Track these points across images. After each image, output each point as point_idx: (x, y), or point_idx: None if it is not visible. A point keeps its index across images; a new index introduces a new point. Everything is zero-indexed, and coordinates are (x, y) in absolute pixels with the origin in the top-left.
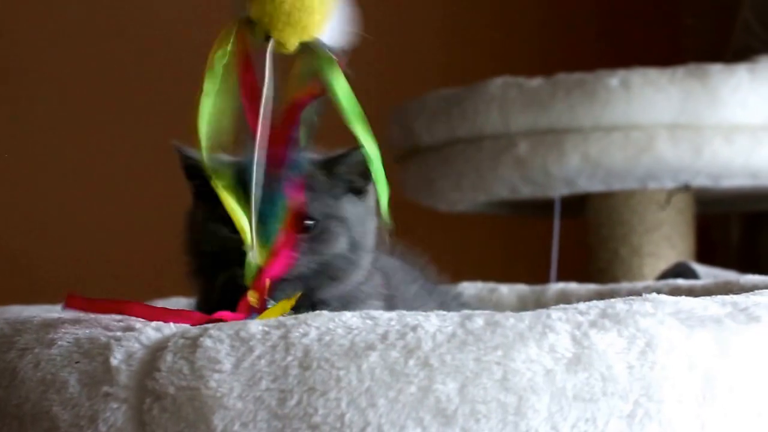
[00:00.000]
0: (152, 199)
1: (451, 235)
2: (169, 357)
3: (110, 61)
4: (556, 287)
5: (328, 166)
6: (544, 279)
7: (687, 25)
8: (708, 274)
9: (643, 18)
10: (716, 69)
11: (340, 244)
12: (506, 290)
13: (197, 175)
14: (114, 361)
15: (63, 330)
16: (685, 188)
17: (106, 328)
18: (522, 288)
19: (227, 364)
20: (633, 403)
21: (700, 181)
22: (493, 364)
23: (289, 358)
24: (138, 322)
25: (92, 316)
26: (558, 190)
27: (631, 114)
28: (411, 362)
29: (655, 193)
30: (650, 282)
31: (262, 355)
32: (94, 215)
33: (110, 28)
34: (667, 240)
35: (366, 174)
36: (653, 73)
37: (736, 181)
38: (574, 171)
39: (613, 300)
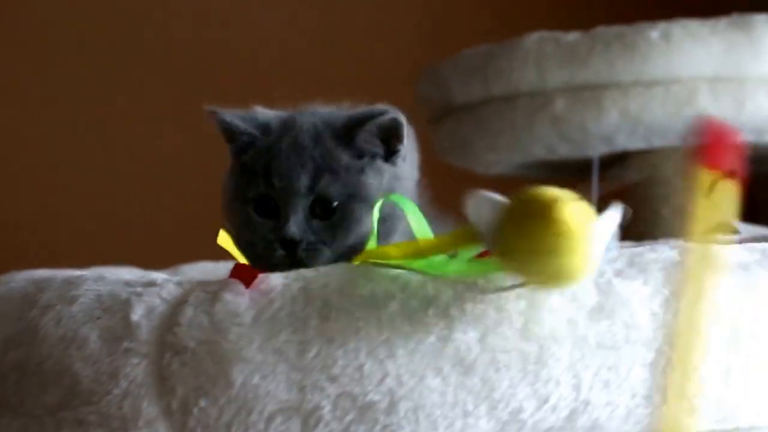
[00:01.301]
0: (170, 164)
1: None
2: (189, 311)
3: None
4: None
5: (347, 135)
6: None
7: None
8: (751, 232)
9: None
10: (760, 19)
11: (366, 225)
12: None
13: (233, 138)
14: (134, 317)
15: (85, 287)
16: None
17: (128, 284)
18: None
19: (247, 317)
20: (656, 351)
21: (743, 136)
22: (514, 313)
23: (309, 309)
24: (160, 277)
25: (115, 272)
26: (596, 149)
27: (672, 68)
28: (431, 312)
29: None
30: None
31: (282, 307)
32: (110, 181)
33: None
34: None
35: (393, 138)
36: (694, 25)
37: None
38: (614, 128)
39: (641, 248)
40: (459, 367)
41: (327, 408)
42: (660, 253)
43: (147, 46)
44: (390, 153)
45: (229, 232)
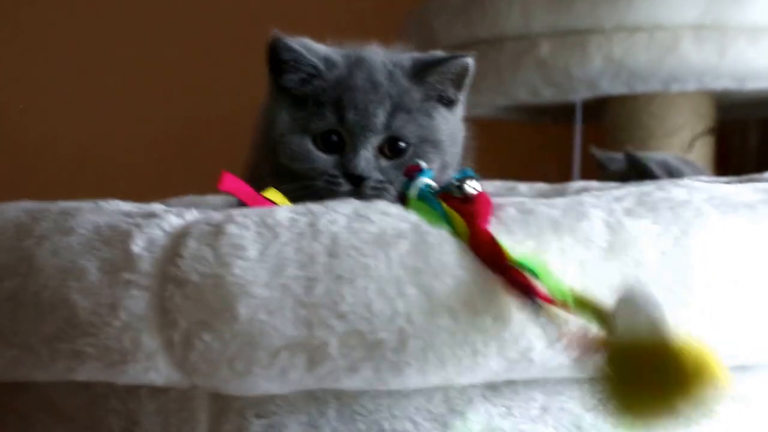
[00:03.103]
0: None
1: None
2: (192, 243)
3: None
4: (576, 185)
5: (422, 73)
6: None
7: None
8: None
9: None
10: None
11: (433, 170)
12: (525, 188)
13: (291, 68)
14: (135, 248)
15: (82, 217)
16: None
17: (127, 215)
18: (542, 186)
19: (252, 251)
20: (666, 290)
21: (724, 83)
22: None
23: (317, 246)
24: (160, 208)
25: (112, 203)
26: (580, 93)
27: (656, 14)
28: (445, 249)
29: (675, 98)
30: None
31: (289, 242)
32: (97, 112)
33: None
34: (687, 145)
35: (461, 84)
36: None
37: (760, 83)
38: (597, 72)
39: (647, 187)
40: (470, 307)
41: (334, 345)
42: (668, 191)
43: None
44: (450, 101)
45: (262, 165)
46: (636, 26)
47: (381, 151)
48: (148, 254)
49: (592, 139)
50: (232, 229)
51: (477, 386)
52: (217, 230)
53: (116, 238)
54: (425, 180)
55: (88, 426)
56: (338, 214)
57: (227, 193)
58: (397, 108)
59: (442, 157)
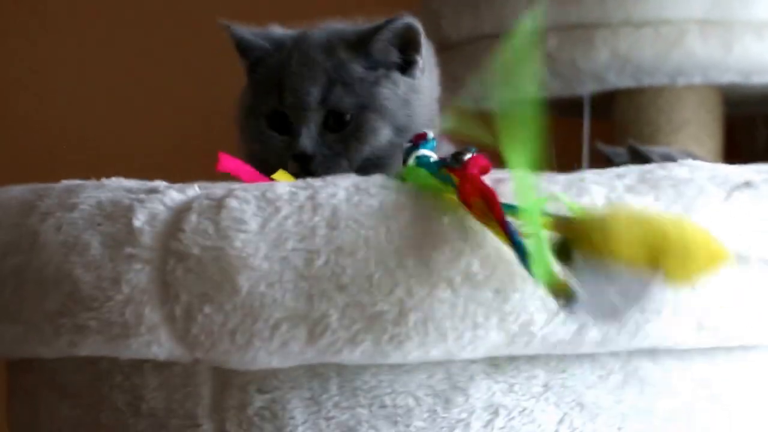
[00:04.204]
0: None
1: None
2: (193, 217)
3: None
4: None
5: (362, 44)
6: None
7: None
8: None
9: None
10: None
11: (381, 136)
12: None
13: (248, 53)
14: (137, 223)
15: (85, 194)
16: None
17: (129, 191)
18: None
19: (253, 225)
20: None
21: (730, 78)
22: None
23: (317, 218)
24: (162, 184)
25: (115, 180)
26: (587, 86)
27: (662, 8)
28: (446, 221)
29: (683, 92)
30: None
31: (289, 216)
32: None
33: None
34: (695, 140)
35: (409, 47)
36: None
37: (766, 78)
38: (604, 66)
39: (650, 165)
40: (470, 279)
41: (334, 317)
42: (670, 170)
43: None
44: (407, 64)
45: (242, 148)
46: (642, 21)
47: (326, 125)
48: (149, 228)
49: (601, 136)
50: (233, 203)
51: (479, 362)
52: (218, 204)
53: (118, 213)
54: (424, 151)
55: (92, 402)
56: (338, 188)
57: (226, 173)
58: (333, 82)
59: (391, 122)
